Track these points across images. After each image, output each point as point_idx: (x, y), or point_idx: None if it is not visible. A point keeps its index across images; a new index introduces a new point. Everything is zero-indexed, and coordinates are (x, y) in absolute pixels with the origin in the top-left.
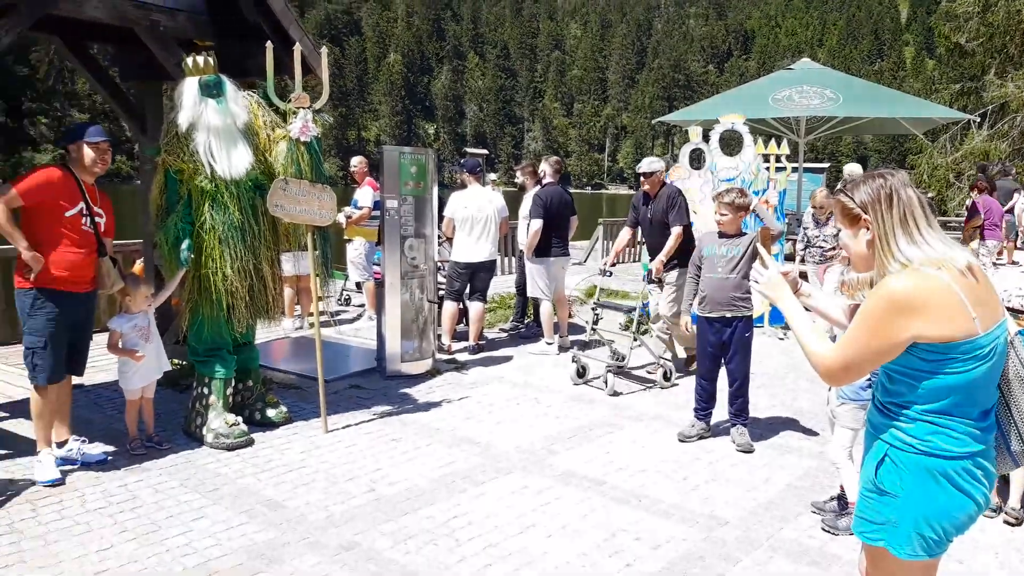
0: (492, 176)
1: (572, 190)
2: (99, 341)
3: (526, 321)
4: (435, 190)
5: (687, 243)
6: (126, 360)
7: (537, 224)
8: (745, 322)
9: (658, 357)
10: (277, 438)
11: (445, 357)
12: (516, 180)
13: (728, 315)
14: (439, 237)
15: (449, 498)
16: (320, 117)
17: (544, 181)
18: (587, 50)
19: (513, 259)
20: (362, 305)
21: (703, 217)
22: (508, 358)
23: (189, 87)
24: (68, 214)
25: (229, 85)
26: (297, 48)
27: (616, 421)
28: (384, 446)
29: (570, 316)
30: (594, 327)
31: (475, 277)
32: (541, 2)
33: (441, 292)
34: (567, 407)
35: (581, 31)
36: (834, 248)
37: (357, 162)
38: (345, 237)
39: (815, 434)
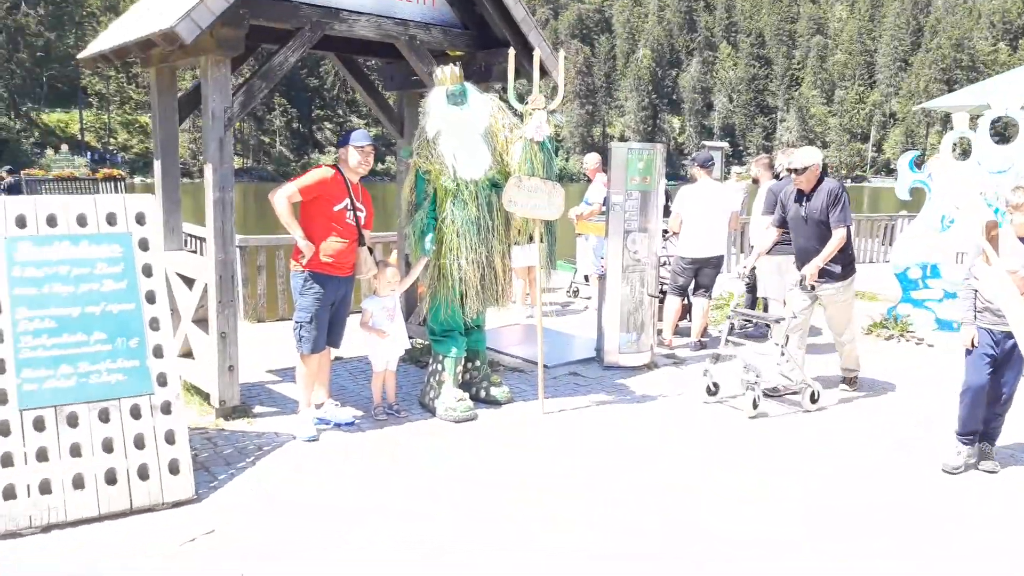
0: (738, 169)
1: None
2: (354, 319)
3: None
4: (662, 185)
5: (847, 247)
6: (374, 336)
7: (769, 220)
8: None
9: (804, 376)
10: (499, 415)
11: (665, 352)
12: (749, 172)
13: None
14: (664, 232)
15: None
16: (554, 118)
17: (782, 175)
18: (853, 32)
19: (743, 255)
20: (589, 297)
21: (966, 214)
22: (732, 357)
23: (437, 96)
24: (336, 208)
25: (473, 93)
26: (536, 54)
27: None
28: (596, 429)
29: None
30: (729, 337)
31: (700, 273)
32: None
33: (664, 287)
34: (791, 412)
35: (847, 12)
36: None
37: (590, 160)
38: (577, 232)
39: None
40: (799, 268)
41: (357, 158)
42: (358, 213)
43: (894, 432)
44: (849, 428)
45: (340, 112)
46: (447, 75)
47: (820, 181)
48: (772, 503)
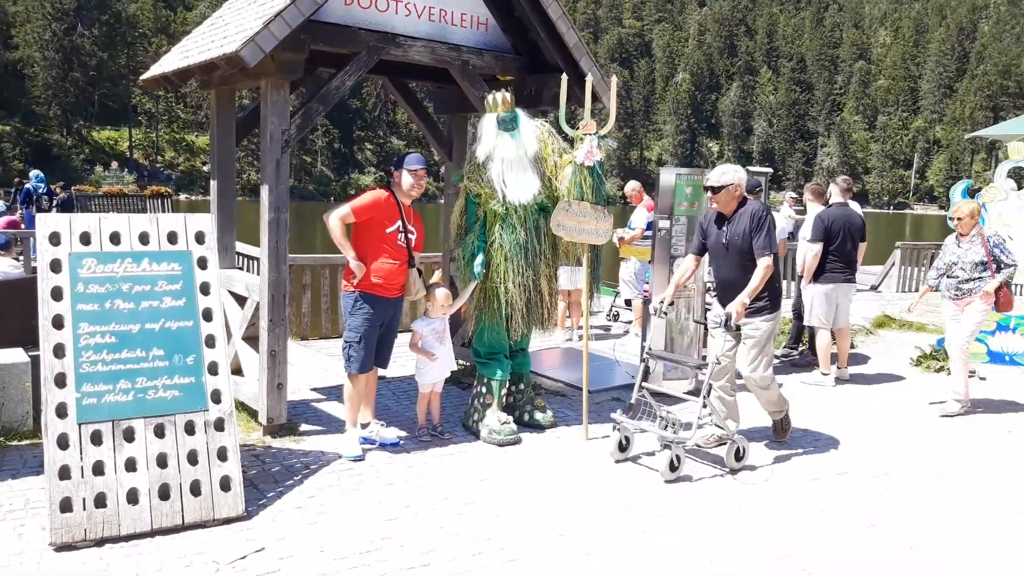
0: (791, 194)
1: (869, 210)
2: (401, 340)
3: (800, 348)
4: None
5: (774, 278)
6: (423, 358)
7: (816, 247)
8: None
9: (729, 430)
10: (542, 439)
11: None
12: (801, 199)
13: None
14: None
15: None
16: (604, 143)
17: (831, 201)
18: (896, 58)
19: (792, 283)
20: (630, 321)
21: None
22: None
23: (488, 122)
24: (388, 230)
25: (523, 119)
26: (589, 79)
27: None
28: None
29: (852, 347)
30: (643, 384)
31: None
32: (846, 10)
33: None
34: (841, 443)
35: (891, 38)
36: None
37: (632, 186)
38: (620, 256)
39: None
40: (721, 303)
41: (410, 181)
42: (409, 235)
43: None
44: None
45: (381, 133)
46: (499, 101)
47: (743, 203)
48: None
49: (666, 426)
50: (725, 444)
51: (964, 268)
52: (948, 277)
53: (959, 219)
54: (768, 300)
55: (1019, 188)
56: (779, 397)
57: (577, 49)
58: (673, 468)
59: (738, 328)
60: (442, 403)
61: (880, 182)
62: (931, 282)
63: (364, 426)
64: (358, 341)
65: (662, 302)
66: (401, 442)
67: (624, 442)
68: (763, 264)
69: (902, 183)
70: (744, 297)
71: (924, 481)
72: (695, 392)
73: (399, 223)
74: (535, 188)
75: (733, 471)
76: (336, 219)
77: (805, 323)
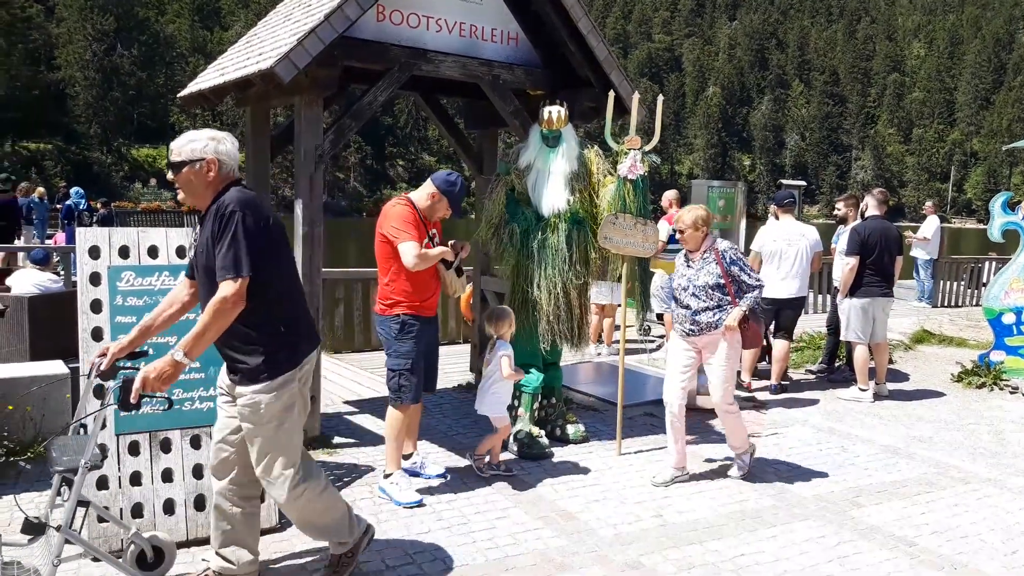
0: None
1: (905, 223)
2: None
3: (837, 364)
4: (743, 223)
5: (273, 321)
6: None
7: (852, 260)
8: None
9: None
10: (574, 454)
11: (743, 394)
12: (836, 212)
13: None
14: None
15: (737, 535)
16: (648, 157)
17: (867, 214)
18: (931, 70)
19: (828, 296)
20: (661, 336)
21: None
22: (814, 401)
23: (534, 133)
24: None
25: (569, 138)
26: (635, 97)
27: (937, 480)
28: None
29: (890, 363)
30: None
31: (780, 314)
32: (879, 23)
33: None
34: (879, 459)
35: (925, 50)
36: None
37: (667, 197)
38: (651, 269)
39: None
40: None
41: (447, 210)
42: (435, 241)
43: None
44: None
45: (412, 149)
46: (554, 118)
47: (224, 191)
48: None
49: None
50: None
51: (697, 294)
52: (679, 307)
53: (680, 232)
54: (264, 355)
55: None
56: (335, 523)
57: (607, 63)
58: None
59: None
60: (464, 413)
61: (916, 195)
62: (659, 309)
63: (406, 457)
64: (409, 369)
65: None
66: (448, 475)
67: None
68: (223, 292)
69: (939, 196)
70: (178, 351)
71: (966, 497)
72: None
73: (427, 236)
74: (561, 205)
75: None
76: (416, 257)
77: (842, 338)
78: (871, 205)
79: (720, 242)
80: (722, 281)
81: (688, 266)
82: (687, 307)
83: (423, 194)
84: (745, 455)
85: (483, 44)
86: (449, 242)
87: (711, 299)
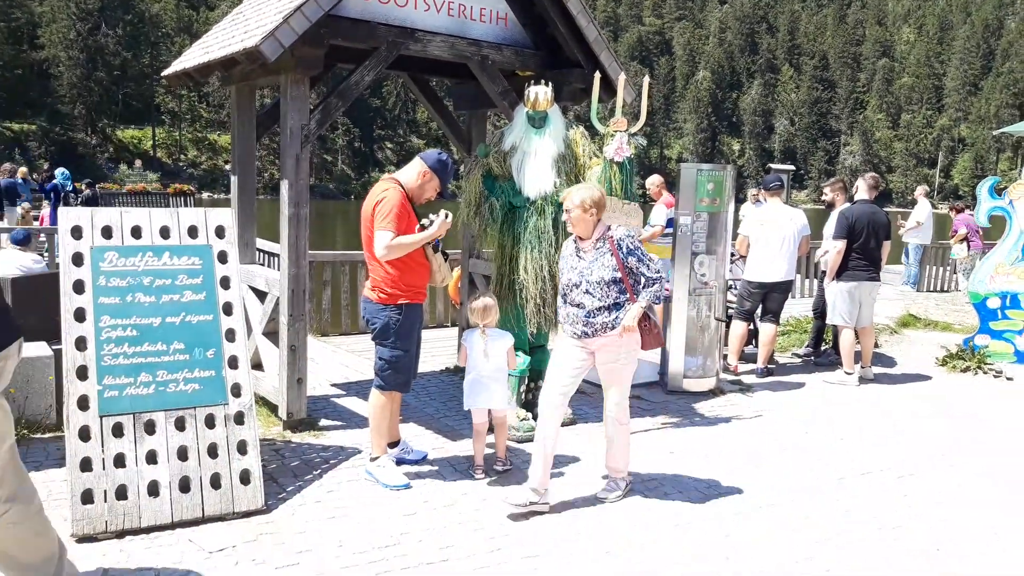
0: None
1: (894, 208)
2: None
3: (823, 348)
4: (731, 207)
5: None
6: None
7: (839, 244)
8: None
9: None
10: (561, 437)
11: (730, 378)
12: (824, 197)
13: None
14: (732, 255)
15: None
16: (635, 140)
17: (857, 197)
18: (921, 56)
19: (814, 280)
20: None
21: None
22: (800, 385)
23: (520, 114)
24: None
25: (555, 120)
26: (622, 78)
27: (921, 464)
28: (660, 456)
29: (876, 346)
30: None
31: (768, 297)
32: (869, 7)
33: (731, 311)
34: (866, 443)
35: (915, 36)
36: None
37: (653, 181)
38: None
39: None
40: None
41: (437, 189)
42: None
43: None
44: None
45: (401, 132)
46: (540, 98)
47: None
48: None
49: None
50: None
51: (591, 291)
52: (570, 306)
53: (567, 212)
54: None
55: None
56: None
57: (597, 44)
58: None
59: None
60: (451, 394)
61: (904, 180)
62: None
63: (392, 445)
64: (408, 360)
65: None
66: (428, 455)
67: None
68: None
69: (927, 182)
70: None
71: (949, 481)
72: (717, 391)
73: (417, 222)
74: (548, 187)
75: None
76: (388, 247)
77: (828, 321)
78: (861, 188)
79: (616, 229)
80: (619, 275)
81: (579, 258)
82: (579, 306)
83: (412, 173)
84: (622, 480)
85: (472, 24)
86: (428, 216)
87: (607, 297)
